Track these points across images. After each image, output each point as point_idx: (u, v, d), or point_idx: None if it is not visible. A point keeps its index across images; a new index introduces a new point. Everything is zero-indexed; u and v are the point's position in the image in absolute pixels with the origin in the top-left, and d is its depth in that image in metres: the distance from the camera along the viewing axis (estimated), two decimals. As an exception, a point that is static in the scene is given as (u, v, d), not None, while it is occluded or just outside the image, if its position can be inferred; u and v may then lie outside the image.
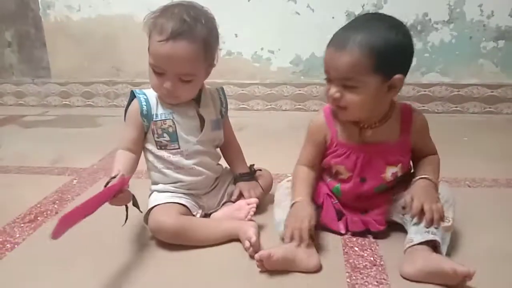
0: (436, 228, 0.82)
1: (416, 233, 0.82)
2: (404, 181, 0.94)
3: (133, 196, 0.88)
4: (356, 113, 0.86)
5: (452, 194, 0.89)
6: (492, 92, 1.98)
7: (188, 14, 0.88)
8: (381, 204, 0.93)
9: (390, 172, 0.91)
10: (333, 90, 0.84)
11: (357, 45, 0.79)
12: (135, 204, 0.89)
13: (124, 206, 0.86)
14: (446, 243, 0.83)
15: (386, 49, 0.80)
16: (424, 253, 0.80)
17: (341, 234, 0.94)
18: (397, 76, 0.82)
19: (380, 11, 1.95)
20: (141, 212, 0.92)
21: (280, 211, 0.93)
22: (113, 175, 0.85)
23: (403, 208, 0.89)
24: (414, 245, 0.81)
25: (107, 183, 0.83)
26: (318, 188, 0.96)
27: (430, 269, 0.76)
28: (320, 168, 0.98)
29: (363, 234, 0.93)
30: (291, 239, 0.82)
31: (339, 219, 0.94)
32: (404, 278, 0.79)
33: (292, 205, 0.89)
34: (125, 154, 0.94)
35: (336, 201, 0.95)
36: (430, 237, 0.80)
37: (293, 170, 0.97)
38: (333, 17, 1.99)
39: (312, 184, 0.94)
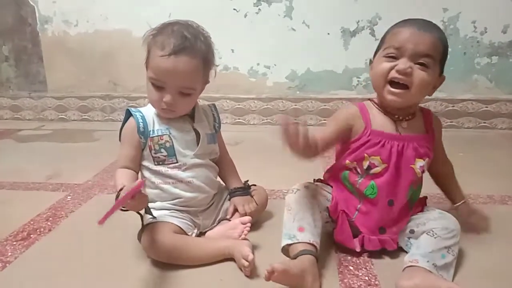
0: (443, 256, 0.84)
1: (424, 257, 0.83)
2: (420, 203, 0.98)
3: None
4: (416, 93, 0.88)
5: (458, 226, 0.89)
6: (486, 107, 2.00)
7: (188, 31, 0.91)
8: (401, 221, 0.93)
9: (418, 165, 0.91)
10: (407, 64, 0.85)
11: (438, 33, 0.88)
12: (148, 210, 0.90)
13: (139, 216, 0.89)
14: (450, 274, 0.84)
15: (446, 48, 0.90)
16: (424, 272, 0.81)
17: (357, 253, 0.92)
18: (443, 76, 0.91)
19: (375, 27, 1.98)
20: (154, 217, 0.91)
21: (290, 216, 0.89)
22: (118, 189, 0.85)
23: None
24: (417, 266, 0.82)
25: (117, 196, 0.83)
26: (334, 203, 0.94)
27: (427, 286, 0.77)
28: (338, 177, 0.96)
29: (357, 253, 0.93)
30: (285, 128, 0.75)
31: (355, 236, 0.93)
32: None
33: None
34: (125, 171, 0.94)
35: (353, 219, 0.93)
36: (433, 270, 0.81)
37: None
38: (328, 33, 2.02)
39: (314, 145, 0.85)
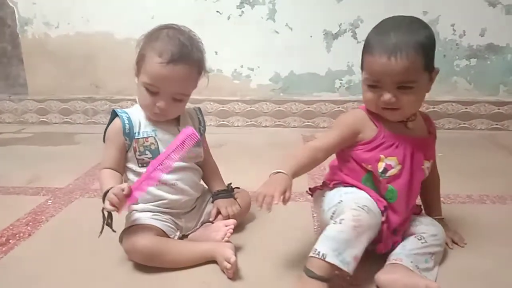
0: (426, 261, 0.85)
1: (408, 257, 0.84)
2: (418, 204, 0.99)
3: (111, 216, 0.87)
4: (408, 112, 0.87)
5: (444, 237, 0.91)
6: (466, 108, 2.04)
7: (184, 38, 0.92)
8: (408, 221, 0.92)
9: (425, 166, 0.91)
10: (388, 96, 0.83)
11: (411, 48, 0.80)
12: (110, 223, 0.89)
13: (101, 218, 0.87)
14: (432, 276, 0.85)
15: (429, 46, 0.84)
16: (406, 269, 0.82)
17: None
18: (436, 69, 0.87)
19: (357, 30, 2.00)
20: (114, 231, 0.90)
21: (356, 236, 0.77)
22: (105, 190, 0.86)
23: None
24: (400, 264, 0.83)
25: (104, 196, 0.85)
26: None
27: (406, 282, 0.79)
28: (359, 182, 0.91)
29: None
30: (260, 204, 0.75)
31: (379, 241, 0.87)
32: (378, 286, 0.81)
33: (271, 175, 0.81)
34: (110, 172, 0.94)
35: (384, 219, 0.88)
36: (416, 271, 0.82)
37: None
38: (311, 36, 2.03)
39: (305, 164, 0.85)
